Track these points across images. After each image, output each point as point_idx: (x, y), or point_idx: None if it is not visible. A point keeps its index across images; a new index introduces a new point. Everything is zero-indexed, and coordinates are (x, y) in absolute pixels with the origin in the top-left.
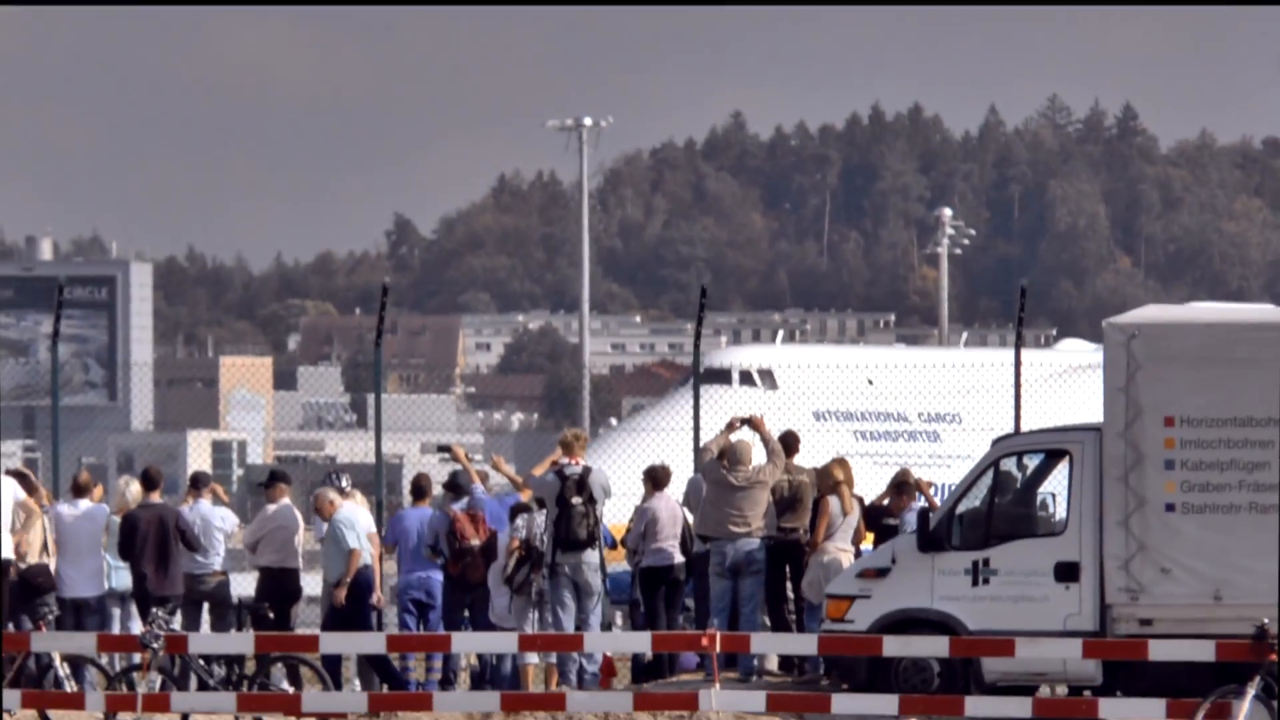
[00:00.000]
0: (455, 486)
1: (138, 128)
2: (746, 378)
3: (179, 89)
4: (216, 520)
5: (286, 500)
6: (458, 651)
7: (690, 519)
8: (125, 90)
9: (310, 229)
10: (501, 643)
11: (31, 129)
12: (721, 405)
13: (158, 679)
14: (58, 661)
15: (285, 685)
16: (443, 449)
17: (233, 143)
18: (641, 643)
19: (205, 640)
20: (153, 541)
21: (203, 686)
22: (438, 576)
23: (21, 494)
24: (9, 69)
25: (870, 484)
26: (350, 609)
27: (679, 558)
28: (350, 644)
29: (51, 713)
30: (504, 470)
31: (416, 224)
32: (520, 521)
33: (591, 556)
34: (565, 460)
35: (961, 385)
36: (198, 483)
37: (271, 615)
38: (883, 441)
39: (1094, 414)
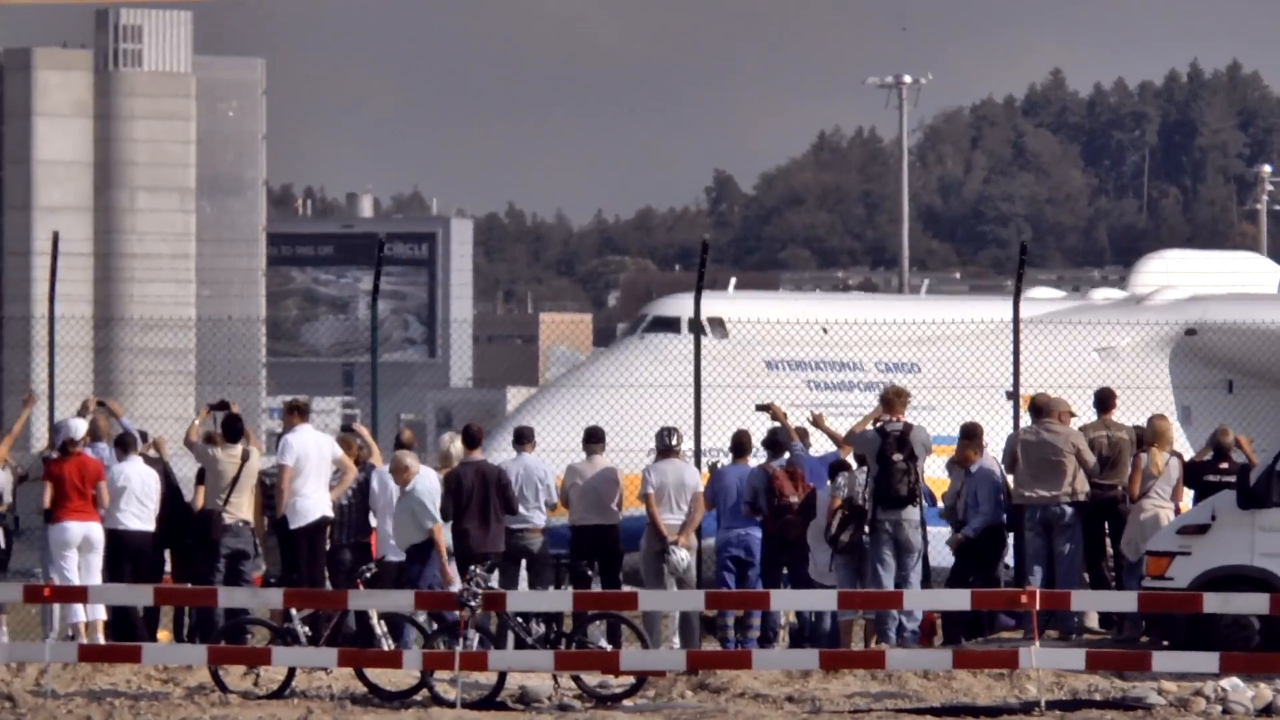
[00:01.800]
0: (774, 444)
1: (459, 84)
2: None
3: (499, 45)
4: (539, 474)
5: (605, 460)
6: (776, 609)
7: (1009, 478)
8: (446, 47)
9: (631, 186)
10: (821, 600)
11: (353, 86)
12: (670, 354)
13: (475, 637)
14: (375, 620)
15: (603, 643)
16: (762, 407)
17: (553, 100)
18: (961, 600)
19: (523, 598)
20: (476, 499)
21: (520, 645)
22: (757, 534)
23: (339, 452)
24: (329, 27)
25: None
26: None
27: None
28: (669, 601)
29: (369, 671)
30: (825, 427)
31: (737, 180)
32: (842, 479)
33: (912, 513)
34: (886, 417)
35: (920, 335)
36: (522, 438)
37: (591, 573)
38: (837, 391)
39: (1056, 364)
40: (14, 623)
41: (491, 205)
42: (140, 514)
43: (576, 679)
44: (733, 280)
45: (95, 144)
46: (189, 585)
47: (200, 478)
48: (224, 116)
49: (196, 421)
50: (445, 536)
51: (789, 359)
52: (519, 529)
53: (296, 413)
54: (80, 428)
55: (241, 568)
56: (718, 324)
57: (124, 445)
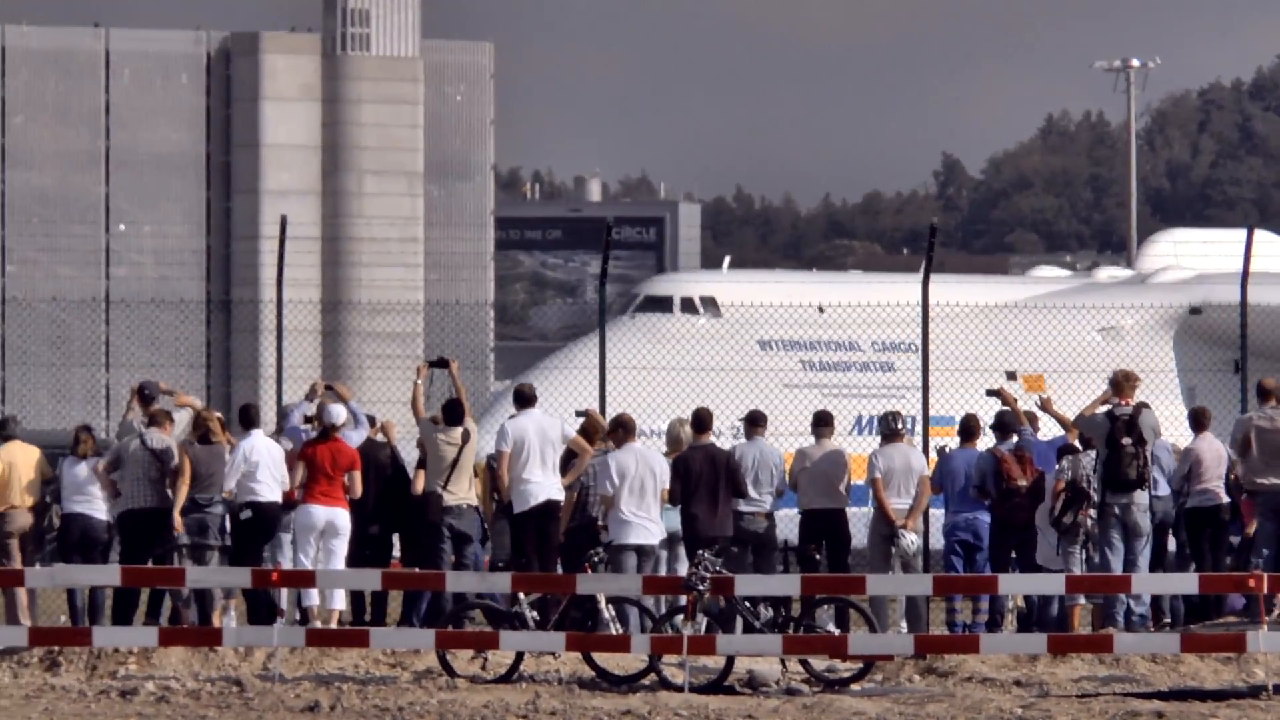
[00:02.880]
0: (1003, 427)
1: (687, 68)
2: (688, 305)
3: (728, 28)
4: (774, 459)
5: (831, 443)
6: (1004, 593)
7: (1235, 458)
8: (675, 29)
9: (858, 169)
10: (1048, 584)
11: (581, 70)
12: (662, 334)
13: (703, 622)
14: (603, 604)
15: (831, 627)
16: (992, 392)
17: (782, 83)
18: (1189, 584)
19: (752, 582)
20: (705, 482)
21: (748, 629)
22: (985, 518)
23: (570, 434)
24: (557, 10)
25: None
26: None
27: (1224, 498)
28: (897, 585)
29: (596, 655)
30: (1053, 410)
31: (965, 164)
32: (1066, 463)
33: (1141, 497)
34: (1115, 400)
35: (916, 315)
36: (755, 421)
37: (818, 557)
38: (833, 372)
39: (1059, 345)
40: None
41: (719, 189)
42: (272, 486)
43: (804, 663)
44: (726, 259)
45: (323, 128)
46: (416, 570)
47: (421, 461)
48: (452, 100)
49: (419, 382)
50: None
51: (783, 339)
52: (748, 513)
53: (519, 398)
54: (340, 413)
55: (466, 551)
56: (710, 303)
57: (247, 419)
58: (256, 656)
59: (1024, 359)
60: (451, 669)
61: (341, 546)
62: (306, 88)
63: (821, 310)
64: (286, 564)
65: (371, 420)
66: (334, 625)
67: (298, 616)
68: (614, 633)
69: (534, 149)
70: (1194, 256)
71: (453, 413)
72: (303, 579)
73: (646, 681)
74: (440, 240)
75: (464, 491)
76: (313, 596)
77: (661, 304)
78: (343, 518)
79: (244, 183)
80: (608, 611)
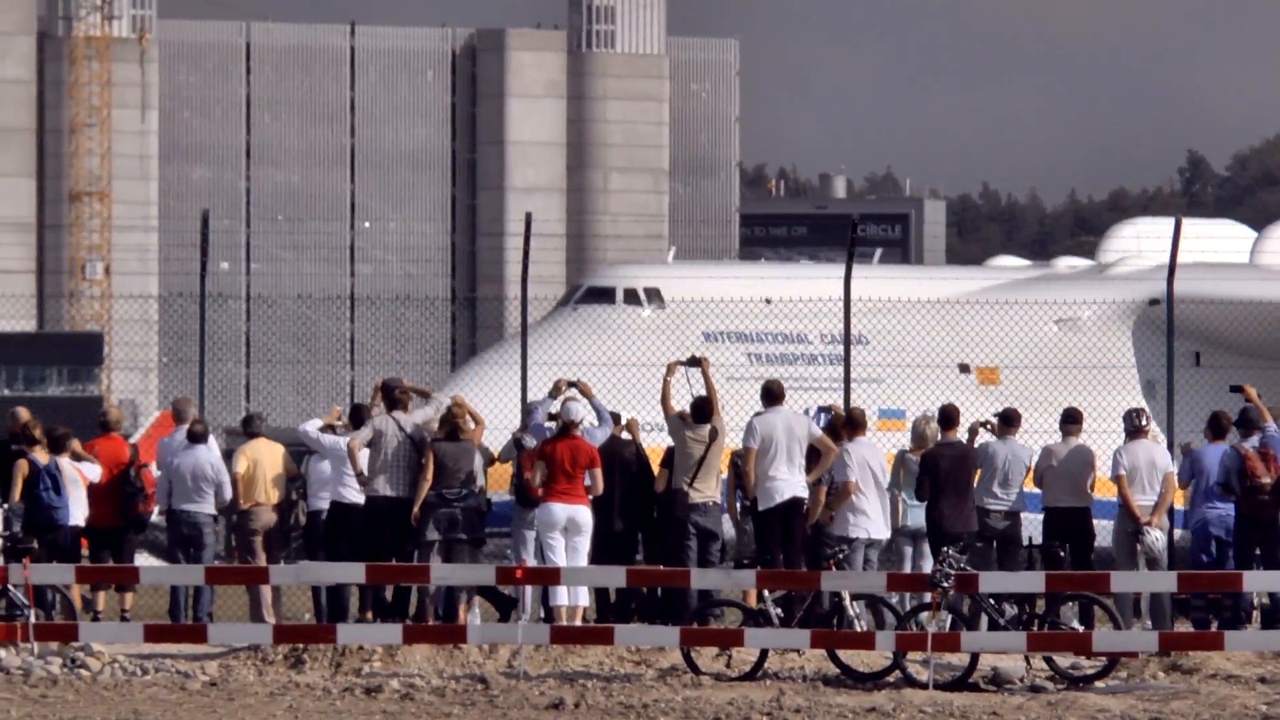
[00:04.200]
0: (1247, 423)
1: (933, 64)
2: (631, 296)
3: (975, 25)
4: (1025, 458)
5: (1079, 440)
6: (1249, 590)
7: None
8: (920, 25)
9: (1104, 166)
10: None
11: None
12: (604, 325)
13: (947, 618)
14: (847, 601)
15: (1075, 624)
16: (1235, 388)
17: (1026, 79)
18: None
19: (996, 579)
20: (951, 480)
21: (993, 626)
22: (1233, 514)
23: (817, 432)
24: (802, 7)
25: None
26: None
27: None
28: (1141, 582)
29: (841, 652)
30: (1254, 399)
31: (1210, 161)
32: None
33: None
34: None
35: (869, 306)
36: (1009, 420)
37: (1063, 554)
38: (780, 365)
39: (1014, 336)
40: (486, 605)
41: (965, 185)
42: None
43: (1048, 660)
44: (671, 250)
45: (568, 125)
46: (660, 567)
47: (667, 458)
48: (697, 97)
49: (668, 378)
50: None
51: (729, 331)
52: (993, 510)
53: (767, 395)
54: (578, 411)
55: (711, 548)
56: (654, 295)
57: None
58: (501, 654)
59: (978, 351)
60: (696, 666)
61: (584, 543)
62: (552, 84)
63: (769, 302)
64: (531, 561)
65: (616, 418)
66: (578, 622)
67: (542, 614)
68: (858, 630)
69: (779, 145)
70: (1157, 248)
71: (701, 410)
72: (547, 576)
73: (891, 679)
74: (685, 237)
75: (710, 489)
76: (560, 594)
77: (604, 295)
78: (584, 515)
79: (489, 179)
80: (852, 609)
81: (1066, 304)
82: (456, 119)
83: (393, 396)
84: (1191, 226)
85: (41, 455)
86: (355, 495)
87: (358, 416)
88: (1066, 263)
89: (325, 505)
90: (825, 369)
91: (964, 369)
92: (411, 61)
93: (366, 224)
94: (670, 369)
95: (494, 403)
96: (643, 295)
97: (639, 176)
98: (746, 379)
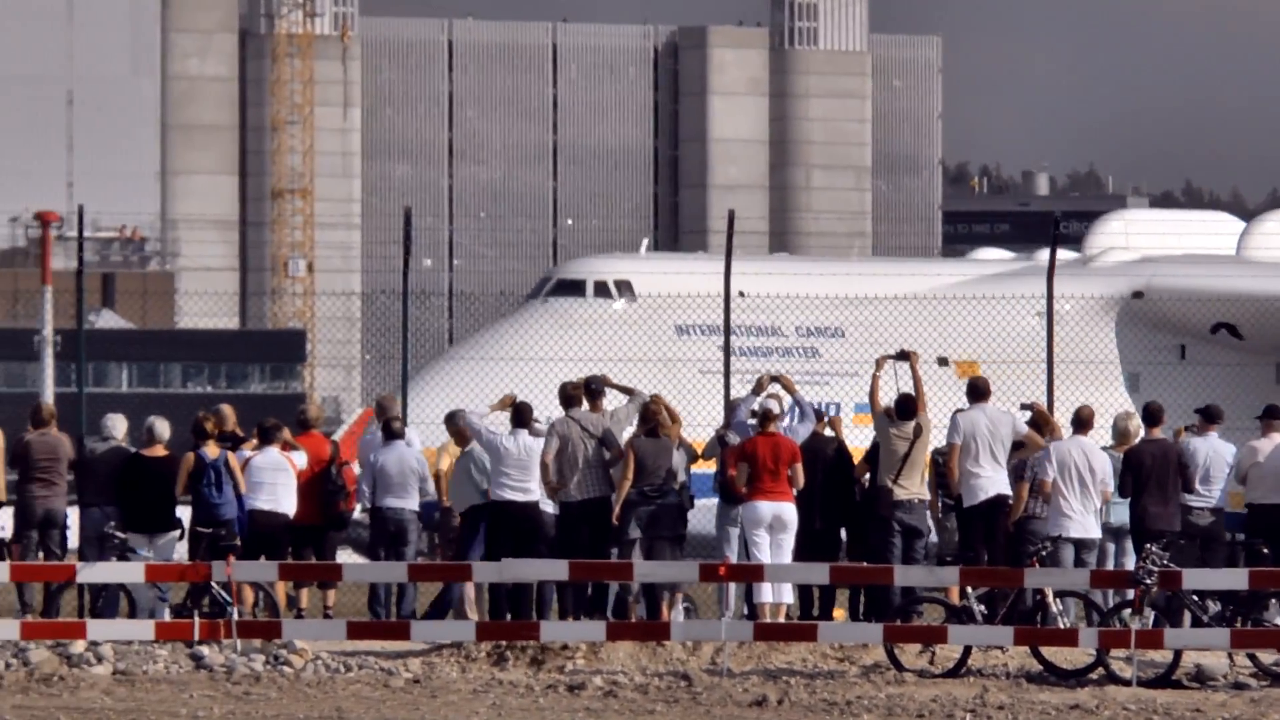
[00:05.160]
0: None
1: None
2: (602, 289)
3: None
4: (1228, 455)
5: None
6: None
7: None
8: (1123, 22)
9: None
10: None
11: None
12: (574, 319)
13: (1150, 615)
14: (1050, 598)
15: (1279, 621)
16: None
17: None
18: None
19: (1199, 576)
20: (1155, 476)
21: (1196, 623)
22: None
23: (1022, 429)
24: (1004, 3)
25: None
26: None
27: None
28: None
29: (1044, 649)
30: None
31: None
32: None
33: None
34: None
35: (846, 298)
36: (1212, 417)
37: (1266, 550)
38: (753, 358)
39: (995, 329)
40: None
41: (1168, 183)
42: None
43: (1252, 657)
44: (644, 241)
45: (770, 122)
46: (863, 564)
47: (871, 454)
48: (899, 94)
49: (877, 373)
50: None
51: (701, 323)
52: (1196, 507)
53: (973, 391)
54: (779, 408)
55: (916, 545)
56: (625, 287)
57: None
58: (704, 651)
59: (957, 345)
60: (899, 663)
61: (789, 540)
62: (754, 82)
63: (743, 295)
64: (733, 558)
65: (819, 414)
66: (781, 619)
67: (745, 611)
68: (1061, 627)
69: (981, 143)
70: (1145, 236)
71: (906, 406)
72: (750, 573)
73: (1094, 675)
74: (887, 235)
75: (915, 486)
76: (764, 591)
77: (574, 288)
78: (789, 511)
79: (691, 177)
80: (1055, 605)
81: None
82: (659, 116)
83: (566, 395)
84: (1179, 216)
85: (211, 450)
86: (513, 493)
87: (520, 416)
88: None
89: (510, 498)
90: (800, 362)
91: (943, 362)
92: (614, 59)
93: (569, 221)
94: (879, 363)
95: (461, 398)
96: (614, 288)
97: (841, 174)
98: (719, 372)
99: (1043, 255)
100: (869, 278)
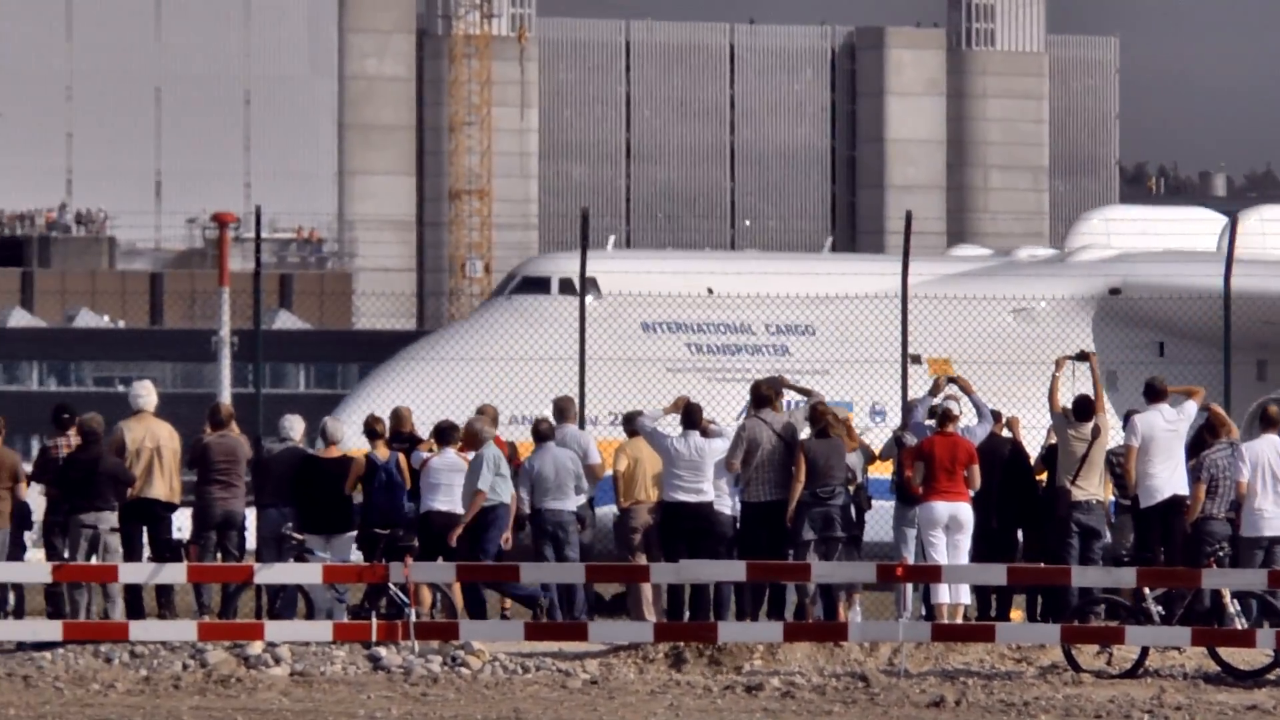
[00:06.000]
0: None
1: None
2: (567, 286)
3: None
4: None
5: None
6: None
7: None
8: None
9: None
10: None
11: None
12: (538, 316)
13: None
14: (1227, 599)
15: None
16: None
17: None
18: None
19: None
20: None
21: None
22: None
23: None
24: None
25: (710, 399)
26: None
27: None
28: None
29: (1222, 650)
30: None
31: None
32: None
33: None
34: None
35: (816, 295)
36: None
37: None
38: (722, 355)
39: (968, 326)
40: (868, 602)
41: None
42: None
43: None
44: (611, 238)
45: (947, 122)
46: (1040, 565)
47: (1047, 455)
48: (1076, 95)
49: (1057, 374)
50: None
51: (668, 320)
52: None
53: (1150, 391)
54: (955, 408)
55: (1094, 546)
56: (591, 284)
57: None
58: (882, 651)
59: (930, 342)
60: (1077, 664)
61: (965, 541)
62: (931, 82)
63: (711, 292)
64: (910, 559)
65: (996, 415)
66: (959, 620)
67: (923, 611)
68: (1239, 627)
69: (1159, 143)
70: (1126, 236)
71: (1084, 407)
72: (927, 574)
73: (1272, 676)
74: (1065, 235)
75: (1093, 486)
76: (941, 592)
77: (539, 285)
78: (965, 512)
79: (869, 177)
80: (1233, 606)
81: (1022, 294)
82: (836, 117)
83: (760, 395)
84: (1161, 215)
85: (381, 451)
86: (685, 495)
87: (690, 418)
88: (1027, 252)
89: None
90: (770, 359)
91: (915, 360)
92: (792, 60)
93: (746, 221)
94: (1059, 364)
95: (418, 396)
96: (578, 285)
97: (1019, 174)
98: (687, 370)
99: (1021, 253)
100: (838, 277)
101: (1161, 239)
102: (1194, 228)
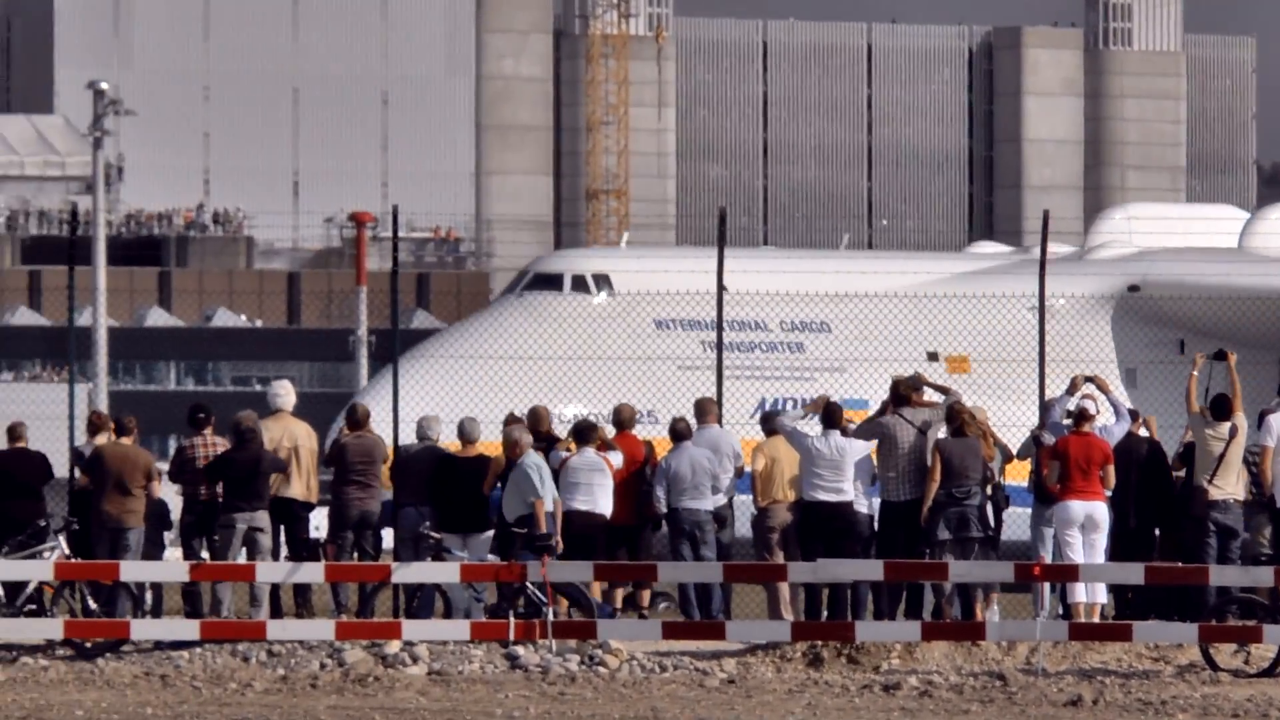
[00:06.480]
0: None
1: None
2: (580, 283)
3: None
4: None
5: None
6: None
7: None
8: None
9: None
10: None
11: None
12: (551, 313)
13: None
14: None
15: None
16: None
17: None
18: None
19: None
20: None
21: None
22: None
23: None
24: None
25: (724, 396)
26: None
27: None
28: None
29: None
30: None
31: None
32: None
33: None
34: None
35: (831, 292)
36: None
37: None
38: (736, 353)
39: (987, 323)
40: (1006, 602)
41: None
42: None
43: None
44: (625, 235)
45: (1085, 123)
46: (1178, 564)
47: (1185, 454)
48: (1214, 95)
49: (1194, 372)
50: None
51: (682, 318)
52: None
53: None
54: (1090, 408)
55: (1230, 545)
56: (603, 281)
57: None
58: (1019, 650)
59: (949, 339)
60: (1214, 663)
61: (1102, 540)
62: (1068, 82)
63: (725, 289)
64: (1048, 558)
65: (1134, 414)
66: (1096, 619)
67: (1060, 610)
68: None
69: None
70: (1148, 235)
71: (1222, 407)
72: (1065, 573)
73: None
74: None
75: (1230, 486)
76: (1078, 591)
77: (552, 281)
78: (1101, 511)
79: (1006, 177)
80: None
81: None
82: (973, 117)
83: (898, 394)
84: (1183, 213)
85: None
86: (825, 494)
87: (830, 417)
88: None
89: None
90: (785, 357)
91: (932, 357)
92: (929, 60)
93: (884, 221)
94: (1196, 361)
95: (433, 394)
96: (591, 282)
97: (1156, 174)
98: (700, 368)
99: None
100: (857, 275)
101: (1183, 237)
102: (1216, 225)
